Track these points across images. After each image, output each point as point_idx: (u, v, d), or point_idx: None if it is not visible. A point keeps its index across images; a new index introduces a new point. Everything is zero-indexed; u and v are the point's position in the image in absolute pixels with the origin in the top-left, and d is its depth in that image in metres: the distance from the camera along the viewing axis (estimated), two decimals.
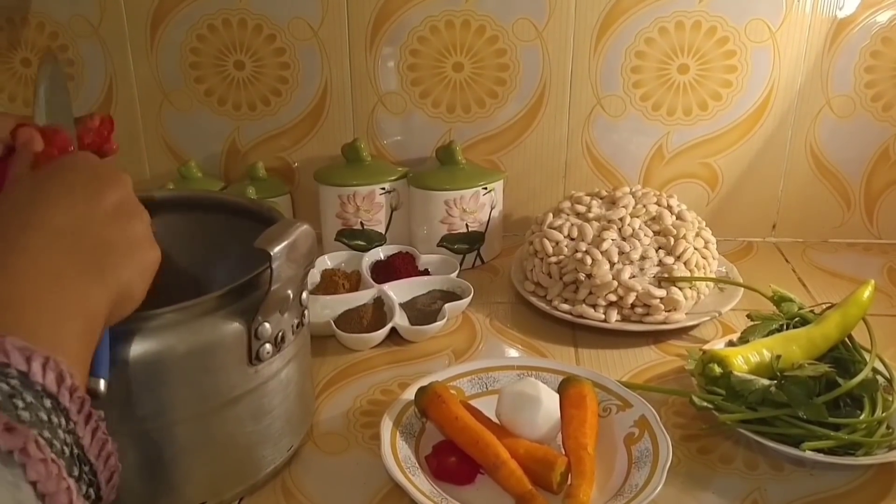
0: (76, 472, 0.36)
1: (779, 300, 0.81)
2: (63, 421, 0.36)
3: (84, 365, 0.41)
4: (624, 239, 0.87)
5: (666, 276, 0.84)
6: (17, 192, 0.46)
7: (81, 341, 0.40)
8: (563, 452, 0.61)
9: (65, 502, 0.34)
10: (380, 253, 0.97)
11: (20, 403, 0.34)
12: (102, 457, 0.38)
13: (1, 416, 0.32)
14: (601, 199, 0.94)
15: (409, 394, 0.67)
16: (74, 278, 0.42)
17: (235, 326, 0.53)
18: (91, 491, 0.37)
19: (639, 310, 0.83)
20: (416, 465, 0.62)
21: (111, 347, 0.47)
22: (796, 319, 0.78)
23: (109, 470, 0.39)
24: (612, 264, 0.84)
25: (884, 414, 0.64)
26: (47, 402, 0.35)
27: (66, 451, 0.36)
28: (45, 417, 0.35)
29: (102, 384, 0.45)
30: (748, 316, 0.80)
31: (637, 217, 0.89)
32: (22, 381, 0.34)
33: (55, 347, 0.37)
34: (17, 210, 0.44)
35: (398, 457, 0.61)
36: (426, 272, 0.95)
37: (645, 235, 0.87)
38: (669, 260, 0.85)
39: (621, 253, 0.85)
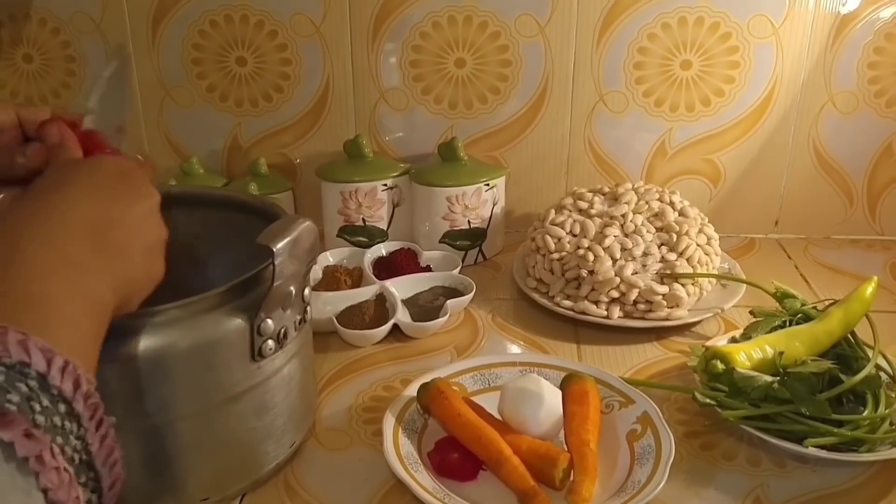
0: (83, 479, 0.36)
1: (781, 296, 0.81)
2: (75, 427, 0.35)
3: (94, 366, 0.40)
4: (626, 235, 0.86)
5: (668, 272, 0.84)
6: (47, 182, 0.46)
7: (93, 342, 0.40)
8: (566, 449, 0.61)
9: None
10: (382, 249, 0.97)
11: (37, 407, 0.33)
12: (108, 464, 0.38)
13: (22, 420, 0.32)
14: (603, 195, 0.94)
15: (412, 390, 0.67)
16: (91, 276, 0.41)
17: (238, 323, 0.53)
18: (93, 497, 0.37)
19: (641, 306, 0.83)
20: (419, 461, 0.62)
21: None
22: (799, 316, 0.78)
23: (113, 477, 0.39)
24: (614, 261, 0.84)
25: (887, 410, 0.64)
26: (61, 407, 0.35)
27: (76, 458, 0.35)
28: (58, 423, 0.34)
29: None
30: (751, 312, 0.80)
31: (639, 213, 0.89)
32: (40, 383, 0.34)
33: (72, 348, 0.37)
34: (45, 201, 0.44)
35: (400, 453, 0.61)
36: (428, 269, 0.95)
37: (647, 232, 0.87)
38: (672, 256, 0.85)
39: (623, 249, 0.85)
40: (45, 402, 0.34)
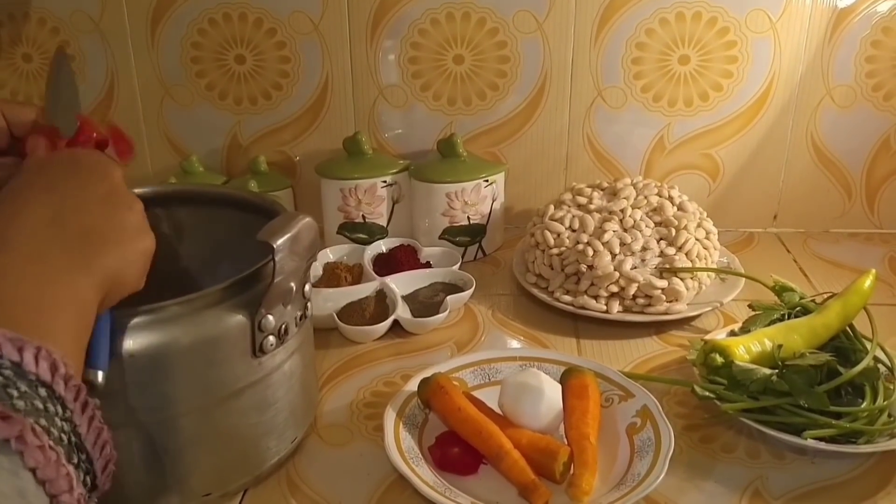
0: (75, 460, 0.36)
1: (780, 290, 0.81)
2: (59, 409, 0.36)
3: (78, 354, 0.41)
4: (625, 230, 0.87)
5: (667, 266, 0.84)
6: (10, 187, 0.46)
7: (72, 331, 0.40)
8: (566, 443, 0.62)
9: (65, 487, 0.34)
10: (382, 246, 0.97)
11: (14, 393, 0.34)
12: (98, 445, 0.39)
13: None
14: (602, 190, 0.94)
15: (412, 385, 0.68)
16: (60, 268, 0.41)
17: (239, 319, 0.53)
18: (87, 479, 0.38)
19: (640, 300, 0.84)
20: (420, 455, 0.62)
21: (111, 339, 0.47)
22: (798, 309, 0.78)
23: (105, 458, 0.39)
24: (613, 255, 0.84)
25: (885, 402, 0.64)
26: (42, 391, 0.35)
27: (64, 438, 0.36)
28: (40, 406, 0.35)
29: (101, 376, 0.45)
30: (750, 306, 0.80)
31: (638, 208, 0.89)
32: (15, 371, 0.35)
33: (45, 337, 0.37)
34: (6, 204, 0.44)
35: (402, 448, 0.61)
36: (428, 265, 0.95)
37: (646, 226, 0.87)
38: (671, 251, 0.85)
39: (623, 244, 0.85)
40: (24, 388, 0.34)
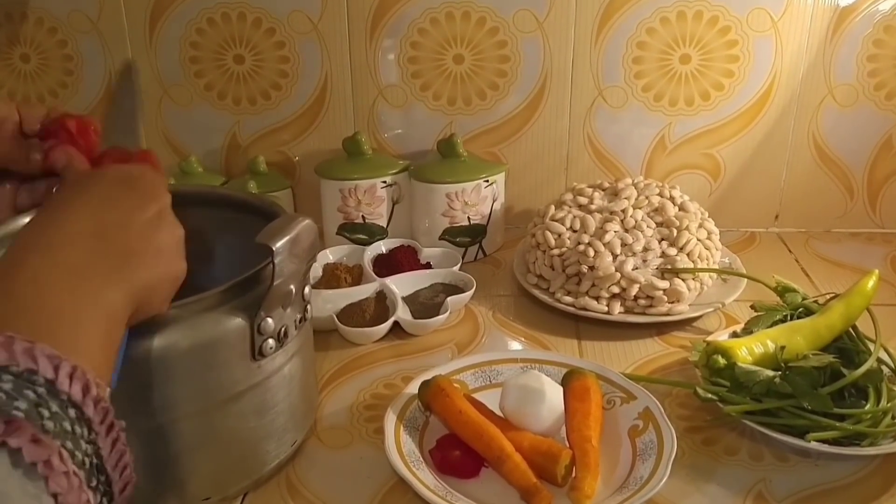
0: (94, 483, 0.36)
1: (782, 291, 0.81)
2: (85, 431, 0.36)
3: (106, 371, 0.40)
4: (626, 230, 0.86)
5: (669, 267, 0.84)
6: (54, 200, 0.46)
7: (103, 346, 0.40)
8: (568, 445, 0.61)
9: None
10: (381, 247, 0.97)
11: (46, 413, 0.33)
12: (119, 468, 0.38)
13: (29, 427, 0.32)
14: (603, 190, 0.94)
15: (413, 388, 0.67)
16: (95, 281, 0.41)
17: (238, 322, 0.53)
18: (104, 501, 0.37)
19: (642, 301, 0.83)
20: (420, 459, 0.61)
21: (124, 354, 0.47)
22: (800, 310, 0.77)
23: (124, 481, 0.39)
24: (614, 256, 0.84)
25: (889, 404, 0.64)
26: (72, 412, 0.35)
27: (87, 462, 0.35)
28: (68, 428, 0.34)
29: (113, 381, 0.45)
30: (752, 307, 0.80)
31: (639, 208, 0.89)
32: (49, 389, 0.34)
33: (79, 354, 0.37)
34: (48, 216, 0.44)
35: (402, 451, 0.61)
36: (428, 265, 0.94)
37: (647, 227, 0.86)
38: (672, 251, 0.85)
39: (624, 245, 0.85)
40: (55, 408, 0.34)
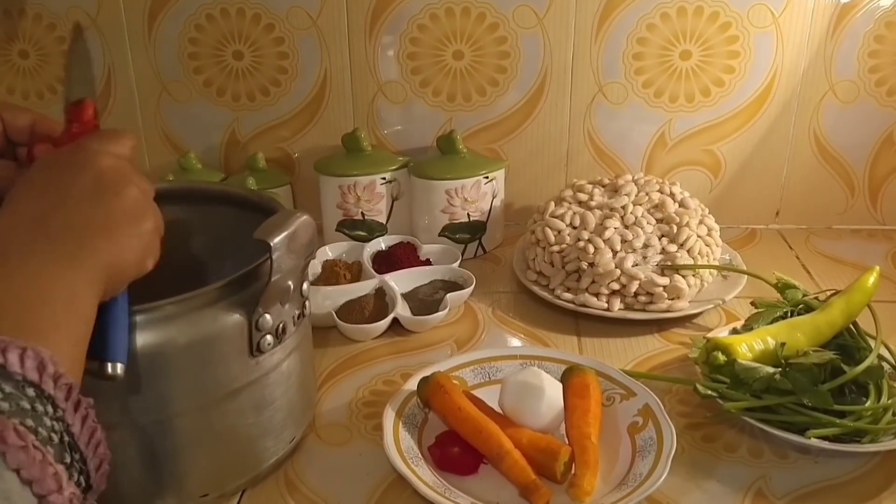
0: (67, 459, 0.36)
1: (783, 287, 0.81)
2: (49, 409, 0.36)
3: (73, 350, 0.40)
4: (626, 227, 0.86)
5: (669, 263, 0.83)
6: (9, 194, 0.46)
7: (63, 326, 0.40)
8: (567, 442, 0.61)
9: (53, 487, 0.34)
10: (381, 243, 0.97)
11: None
12: (92, 444, 0.38)
13: None
14: (603, 187, 0.94)
15: (412, 384, 0.67)
16: (42, 263, 0.41)
17: (236, 318, 0.53)
18: (81, 479, 0.38)
19: (642, 298, 0.83)
20: (419, 455, 0.61)
21: (129, 331, 0.47)
22: (800, 307, 0.77)
23: (99, 458, 0.39)
24: (614, 253, 0.84)
25: (889, 401, 0.64)
26: (30, 391, 0.35)
27: (56, 437, 0.36)
28: (27, 406, 0.35)
29: (120, 368, 0.45)
30: (752, 303, 0.80)
31: (640, 205, 0.88)
32: (0, 372, 0.34)
33: (31, 336, 0.37)
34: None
35: (401, 448, 0.61)
36: (428, 262, 0.94)
37: (647, 223, 0.86)
38: (672, 248, 0.84)
39: (624, 241, 0.84)
40: (9, 389, 0.34)
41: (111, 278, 0.44)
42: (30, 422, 0.34)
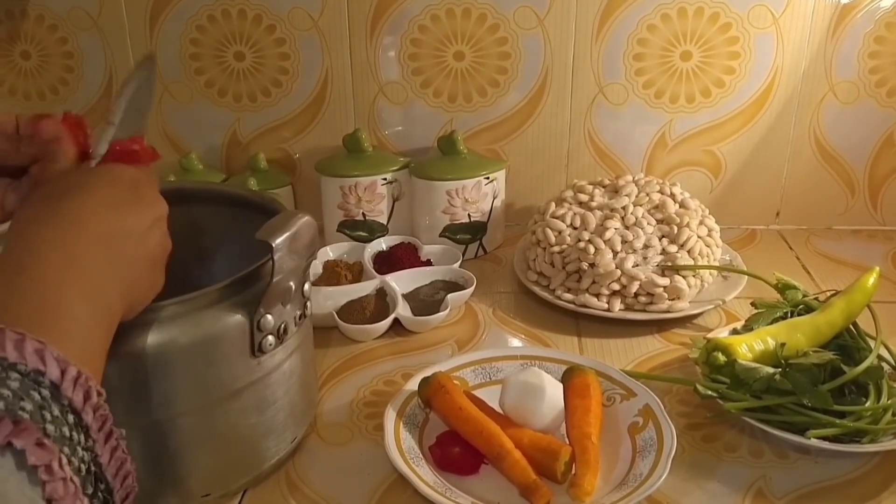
0: (90, 490, 0.36)
1: (783, 288, 0.81)
2: (82, 438, 0.36)
3: (101, 375, 0.40)
4: (627, 228, 0.86)
5: (669, 264, 0.83)
6: (61, 186, 0.46)
7: (103, 352, 0.41)
8: (567, 442, 0.61)
9: None
10: (382, 244, 0.97)
11: (48, 416, 0.33)
12: (120, 476, 0.38)
13: (34, 429, 0.32)
14: (604, 187, 0.94)
15: (413, 384, 0.67)
16: (106, 287, 0.42)
17: (238, 318, 0.53)
18: None
19: (642, 298, 0.83)
20: (420, 455, 0.61)
21: None
22: (801, 307, 0.77)
23: (126, 490, 0.39)
24: (615, 253, 0.84)
25: (889, 401, 0.64)
26: (70, 418, 0.35)
27: (83, 468, 0.35)
28: (66, 433, 0.34)
29: None
30: (752, 304, 0.80)
31: (640, 205, 0.89)
32: (52, 393, 0.34)
33: (85, 360, 0.37)
34: (59, 206, 0.44)
35: (402, 447, 0.61)
36: (429, 262, 0.94)
37: (648, 224, 0.86)
38: (673, 248, 0.85)
39: (624, 242, 0.85)
40: (56, 412, 0.34)
41: (127, 316, 0.46)
42: (67, 450, 0.34)
